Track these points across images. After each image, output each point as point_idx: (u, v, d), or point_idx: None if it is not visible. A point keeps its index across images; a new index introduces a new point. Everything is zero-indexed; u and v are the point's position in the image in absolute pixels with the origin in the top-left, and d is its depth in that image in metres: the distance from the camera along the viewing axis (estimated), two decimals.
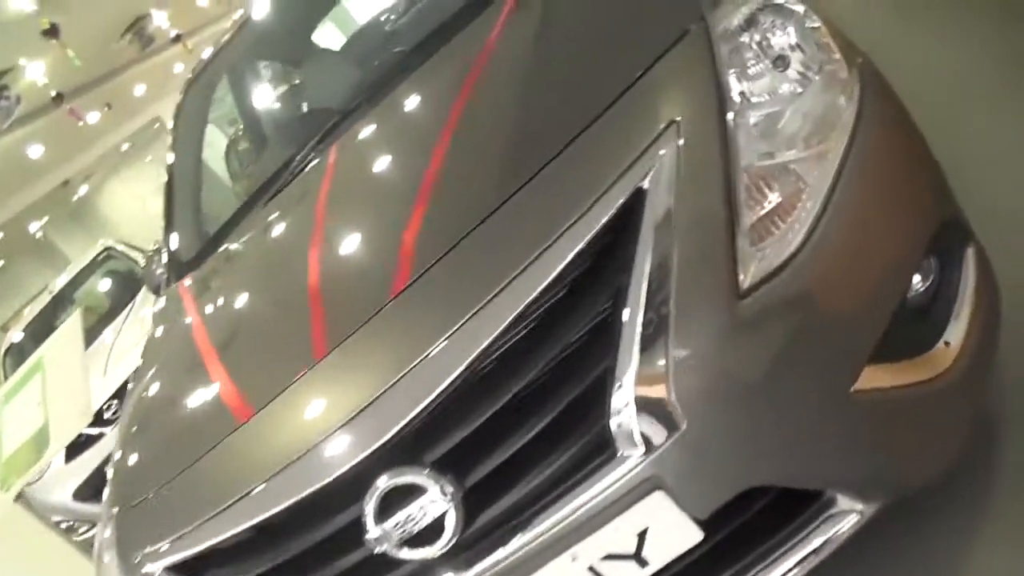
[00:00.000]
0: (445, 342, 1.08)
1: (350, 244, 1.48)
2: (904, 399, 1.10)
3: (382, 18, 2.52)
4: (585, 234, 1.07)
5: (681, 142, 1.11)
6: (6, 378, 6.80)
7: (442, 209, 1.32)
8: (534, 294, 1.05)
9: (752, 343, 1.02)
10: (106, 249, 7.31)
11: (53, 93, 9.50)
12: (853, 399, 1.06)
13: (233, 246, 1.99)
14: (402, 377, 1.09)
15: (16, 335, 7.19)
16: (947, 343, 1.16)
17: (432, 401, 1.06)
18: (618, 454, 1.03)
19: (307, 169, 1.92)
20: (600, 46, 1.41)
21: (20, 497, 3.41)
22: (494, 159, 1.33)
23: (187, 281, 2.07)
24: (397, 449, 1.07)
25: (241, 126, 3.11)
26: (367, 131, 1.84)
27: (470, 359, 1.05)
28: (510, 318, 1.05)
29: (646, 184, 1.09)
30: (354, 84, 2.13)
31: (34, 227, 16.00)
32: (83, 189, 17.08)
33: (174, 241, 2.38)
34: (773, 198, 1.09)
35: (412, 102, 1.79)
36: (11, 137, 9.66)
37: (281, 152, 2.24)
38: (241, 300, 1.71)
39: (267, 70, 3.01)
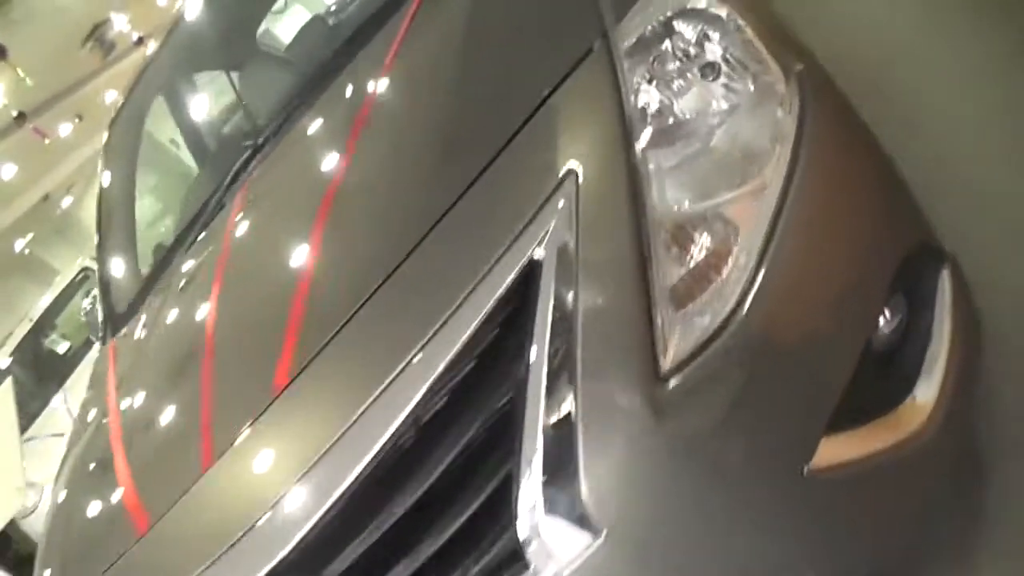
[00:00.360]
0: (331, 451, 0.97)
1: (236, 330, 1.35)
2: (871, 471, 0.95)
3: (292, 40, 2.34)
4: (471, 321, 0.93)
5: (581, 194, 0.96)
6: None
7: (323, 290, 1.19)
8: (419, 395, 0.93)
9: (679, 432, 0.88)
10: (83, 269, 7.22)
11: (15, 113, 9.30)
12: (808, 480, 0.91)
13: (155, 304, 1.85)
14: (291, 490, 0.98)
15: (3, 361, 7.11)
16: (918, 396, 1.00)
17: (324, 514, 0.95)
18: (530, 567, 0.90)
19: (216, 218, 1.78)
20: (491, 77, 1.25)
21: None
22: (377, 225, 1.20)
23: (116, 340, 1.94)
24: (293, 567, 0.97)
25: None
26: (263, 181, 1.69)
27: (358, 469, 0.94)
28: (398, 421, 0.93)
29: (540, 253, 0.94)
30: (265, 114, 1.98)
31: (19, 245, 15.85)
32: (66, 201, 16.88)
33: (110, 285, 2.23)
34: (699, 252, 0.95)
35: (302, 149, 1.63)
36: None
37: (202, 189, 2.10)
38: (150, 383, 1.58)
39: (193, 90, 2.78)
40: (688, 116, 1.03)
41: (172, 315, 1.66)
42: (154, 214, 2.85)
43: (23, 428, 6.30)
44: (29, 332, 7.14)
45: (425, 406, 0.94)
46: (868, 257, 0.99)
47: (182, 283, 1.72)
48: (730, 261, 0.93)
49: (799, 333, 0.93)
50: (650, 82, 1.06)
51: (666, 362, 0.89)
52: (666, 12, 1.08)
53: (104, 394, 1.72)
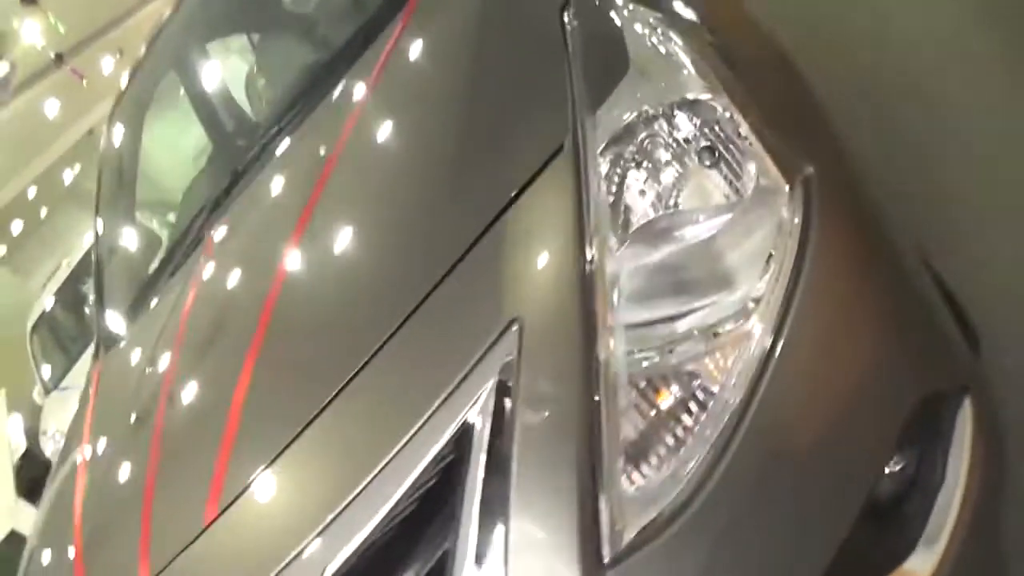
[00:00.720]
0: None
1: (179, 439, 1.29)
2: None
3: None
4: (392, 493, 0.86)
5: (526, 342, 0.85)
6: (35, 353, 7.02)
7: (256, 414, 1.13)
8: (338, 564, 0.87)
9: None
10: None
11: (52, 54, 9.36)
12: None
13: (137, 342, 1.77)
14: None
15: (48, 301, 7.35)
16: (920, 559, 0.85)
17: None
18: None
19: (188, 260, 1.73)
20: (454, 179, 1.12)
21: None
22: (313, 355, 1.13)
23: (102, 366, 1.87)
24: None
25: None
26: (226, 237, 1.63)
27: None
28: None
29: (474, 416, 0.84)
30: (246, 141, 1.91)
31: (68, 177, 16.19)
32: None
33: (105, 287, 2.12)
34: (659, 417, 0.81)
35: (256, 218, 1.56)
36: (22, 99, 9.64)
37: (189, 208, 2.00)
38: (113, 457, 1.50)
39: (205, 61, 2.45)
40: (676, 209, 0.90)
41: (137, 374, 1.61)
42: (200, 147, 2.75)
43: (64, 371, 6.57)
44: (69, 277, 7.35)
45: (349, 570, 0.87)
46: (872, 414, 0.81)
47: (155, 329, 1.66)
48: (696, 431, 0.80)
49: (776, 515, 0.78)
50: (638, 167, 0.93)
51: (611, 548, 0.77)
52: (654, 103, 0.95)
53: (78, 446, 1.66)
